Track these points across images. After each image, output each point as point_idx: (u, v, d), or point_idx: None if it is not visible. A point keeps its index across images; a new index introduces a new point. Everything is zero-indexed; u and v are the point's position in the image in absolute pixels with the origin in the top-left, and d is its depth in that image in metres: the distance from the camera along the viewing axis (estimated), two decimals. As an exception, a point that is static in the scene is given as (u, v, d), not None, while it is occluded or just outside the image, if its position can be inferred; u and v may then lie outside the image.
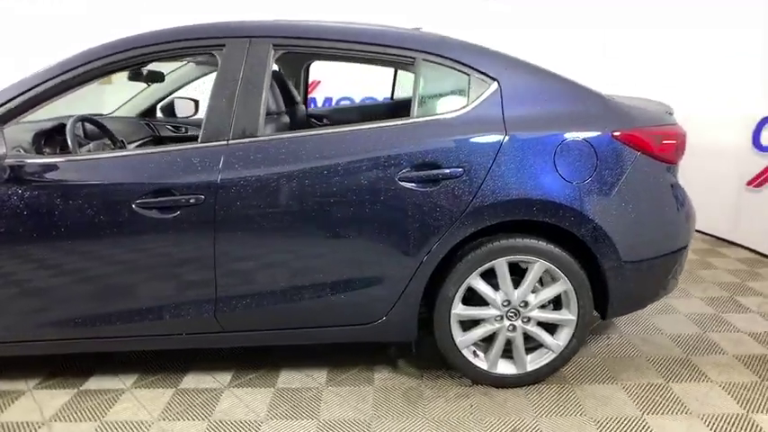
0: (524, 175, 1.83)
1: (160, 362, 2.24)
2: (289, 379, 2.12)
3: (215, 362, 2.24)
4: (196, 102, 3.40)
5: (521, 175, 1.83)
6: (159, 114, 3.36)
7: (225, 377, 2.13)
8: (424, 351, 2.29)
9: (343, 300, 1.89)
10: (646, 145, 1.92)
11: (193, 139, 3.18)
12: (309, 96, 5.98)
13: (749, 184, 3.62)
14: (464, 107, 1.90)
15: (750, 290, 3.01)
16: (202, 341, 1.96)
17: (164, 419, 1.88)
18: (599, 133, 1.89)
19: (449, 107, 1.90)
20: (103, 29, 4.83)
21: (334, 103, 5.79)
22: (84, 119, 2.25)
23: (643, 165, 1.92)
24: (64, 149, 2.16)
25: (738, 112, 3.60)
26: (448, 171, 1.81)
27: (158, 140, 3.04)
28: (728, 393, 2.02)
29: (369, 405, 1.96)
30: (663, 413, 1.91)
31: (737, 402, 1.96)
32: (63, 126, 2.17)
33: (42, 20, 4.44)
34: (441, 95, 1.94)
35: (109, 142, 2.37)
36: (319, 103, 5.78)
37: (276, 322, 1.94)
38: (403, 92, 3.53)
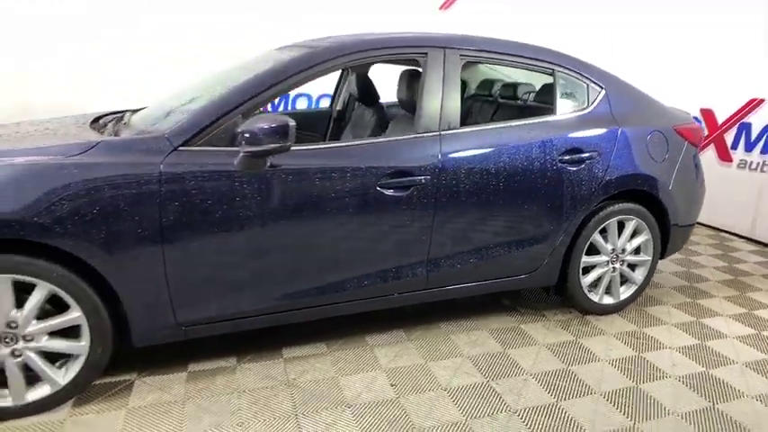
0: (633, 156, 2.57)
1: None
2: (421, 332, 2.59)
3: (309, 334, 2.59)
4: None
5: (632, 157, 2.57)
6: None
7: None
8: (521, 299, 2.94)
9: (517, 254, 2.44)
10: (690, 135, 2.81)
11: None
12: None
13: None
14: (588, 107, 2.57)
15: (689, 240, 4.21)
16: (409, 299, 2.32)
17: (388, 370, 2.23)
18: (666, 127, 2.72)
19: (578, 106, 2.56)
20: (104, 29, 4.59)
21: (290, 100, 6.01)
22: None
23: (689, 150, 2.80)
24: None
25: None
26: (588, 154, 2.47)
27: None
28: (732, 302, 3.03)
29: (529, 337, 2.53)
30: (707, 317, 2.83)
31: (741, 306, 2.98)
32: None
33: (42, 20, 4.15)
34: (572, 97, 2.58)
35: None
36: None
37: (468, 277, 2.40)
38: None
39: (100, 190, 1.71)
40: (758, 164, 4.16)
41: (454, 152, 2.21)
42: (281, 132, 1.78)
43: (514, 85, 3.21)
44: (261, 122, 1.80)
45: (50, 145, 1.81)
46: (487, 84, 3.58)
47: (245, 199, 1.88)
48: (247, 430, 1.81)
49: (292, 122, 1.80)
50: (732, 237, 4.35)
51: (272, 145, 1.79)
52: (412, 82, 2.44)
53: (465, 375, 2.18)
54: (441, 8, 6.16)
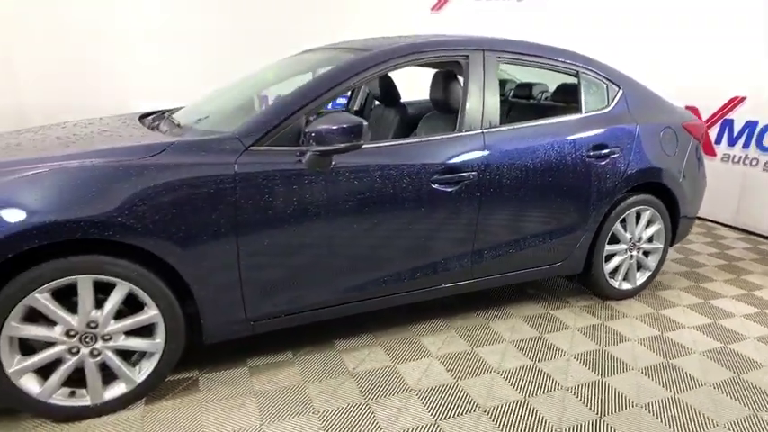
0: (650, 151, 2.77)
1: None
2: (465, 323, 2.73)
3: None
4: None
5: (648, 152, 2.76)
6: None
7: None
8: (543, 289, 3.11)
9: (551, 244, 2.60)
10: (695, 132, 3.04)
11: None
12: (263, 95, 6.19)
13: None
14: (608, 105, 2.75)
15: (681, 230, 4.50)
16: (454, 289, 2.44)
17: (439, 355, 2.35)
18: (676, 123, 2.94)
19: (600, 105, 2.74)
20: (103, 29, 4.56)
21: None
22: None
23: (695, 146, 3.03)
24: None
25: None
26: (611, 150, 2.65)
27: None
28: (731, 285, 3.29)
29: (561, 322, 2.70)
30: (713, 299, 3.07)
31: (740, 288, 3.24)
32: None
33: (42, 20, 4.13)
34: (594, 97, 2.75)
35: None
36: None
37: (508, 266, 2.54)
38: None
39: (178, 189, 1.76)
40: (740, 157, 4.48)
41: (496, 149, 2.34)
42: (355, 132, 1.87)
43: (530, 85, 3.38)
44: (333, 122, 1.87)
45: (126, 146, 1.84)
46: (499, 84, 3.73)
47: (312, 196, 1.96)
48: (324, 419, 1.89)
49: (365, 122, 1.88)
50: (718, 226, 4.66)
51: (345, 144, 1.87)
52: (447, 83, 2.55)
53: (513, 359, 2.32)
54: (432, 9, 6.31)
